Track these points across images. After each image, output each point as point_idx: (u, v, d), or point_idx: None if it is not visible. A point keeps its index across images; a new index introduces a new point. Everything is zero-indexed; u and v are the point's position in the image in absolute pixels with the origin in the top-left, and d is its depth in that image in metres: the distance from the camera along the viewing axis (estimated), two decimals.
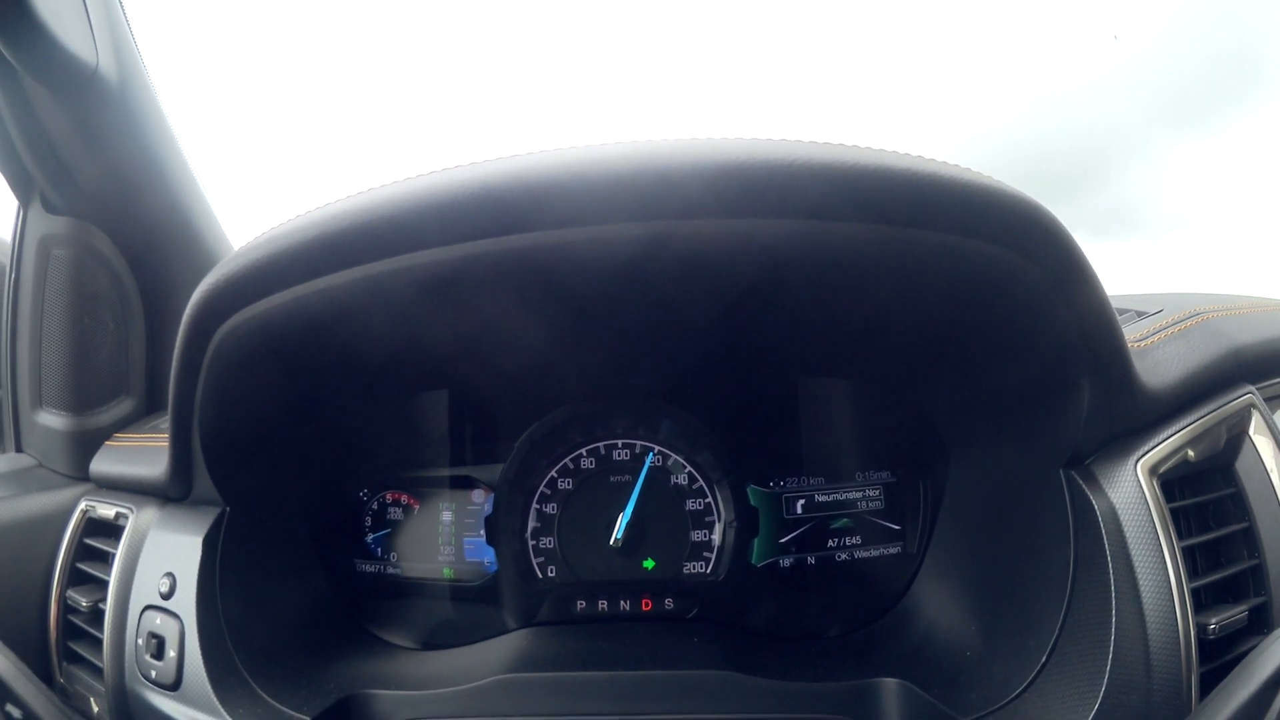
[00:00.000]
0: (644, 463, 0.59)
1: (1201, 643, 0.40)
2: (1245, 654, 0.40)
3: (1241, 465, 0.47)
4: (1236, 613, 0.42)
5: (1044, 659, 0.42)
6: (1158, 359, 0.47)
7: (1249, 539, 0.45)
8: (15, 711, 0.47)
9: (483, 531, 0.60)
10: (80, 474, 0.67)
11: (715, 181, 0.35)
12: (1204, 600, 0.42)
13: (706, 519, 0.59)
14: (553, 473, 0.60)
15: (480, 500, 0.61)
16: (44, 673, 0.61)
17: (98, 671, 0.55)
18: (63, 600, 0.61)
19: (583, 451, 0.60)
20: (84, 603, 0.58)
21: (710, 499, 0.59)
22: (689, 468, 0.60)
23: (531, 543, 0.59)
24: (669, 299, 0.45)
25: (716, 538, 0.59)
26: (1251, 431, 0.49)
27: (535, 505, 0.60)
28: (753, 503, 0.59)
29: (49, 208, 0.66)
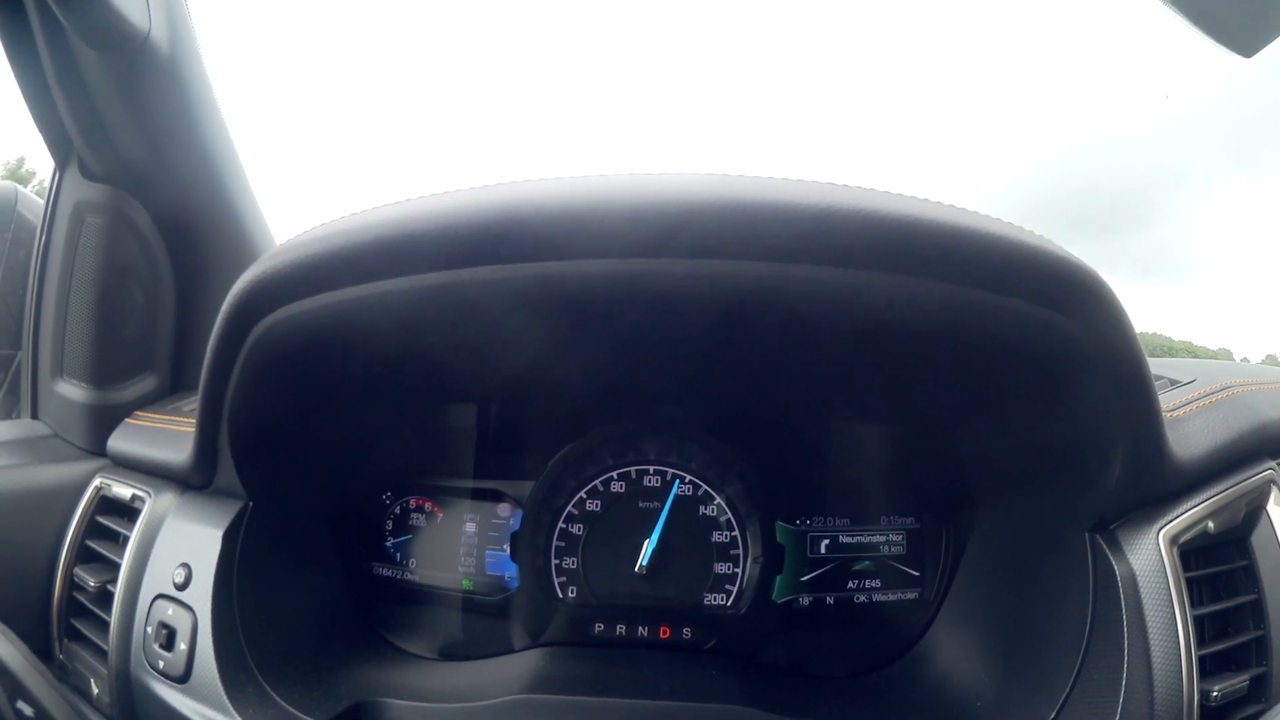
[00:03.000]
0: (672, 489, 0.62)
1: (1203, 708, 0.43)
2: None
3: (1256, 539, 0.50)
4: (1238, 682, 0.45)
5: (1053, 715, 0.45)
6: (1188, 430, 0.50)
7: (1256, 610, 0.48)
8: (27, 709, 0.50)
9: (506, 546, 0.63)
10: (96, 448, 0.69)
11: (736, 221, 0.36)
12: (1208, 667, 0.45)
13: (732, 552, 0.62)
14: (582, 493, 0.62)
15: (506, 514, 0.64)
16: (43, 647, 0.62)
17: (100, 653, 0.57)
18: (69, 576, 0.62)
19: (614, 475, 0.63)
20: (91, 582, 0.59)
21: (738, 533, 0.62)
22: (719, 499, 0.62)
23: (555, 562, 0.62)
24: (679, 318, 0.46)
25: (741, 572, 0.61)
26: (1269, 506, 0.52)
27: (561, 524, 0.62)
28: (779, 540, 0.62)
29: (86, 173, 0.68)
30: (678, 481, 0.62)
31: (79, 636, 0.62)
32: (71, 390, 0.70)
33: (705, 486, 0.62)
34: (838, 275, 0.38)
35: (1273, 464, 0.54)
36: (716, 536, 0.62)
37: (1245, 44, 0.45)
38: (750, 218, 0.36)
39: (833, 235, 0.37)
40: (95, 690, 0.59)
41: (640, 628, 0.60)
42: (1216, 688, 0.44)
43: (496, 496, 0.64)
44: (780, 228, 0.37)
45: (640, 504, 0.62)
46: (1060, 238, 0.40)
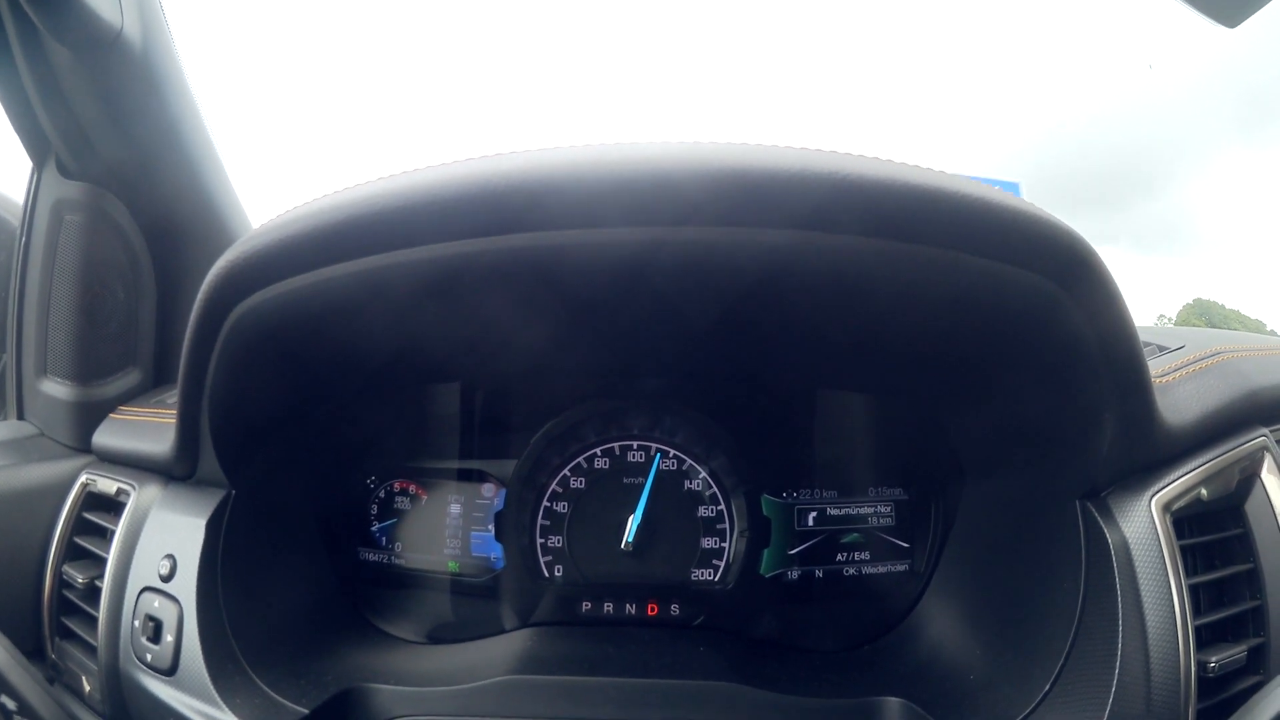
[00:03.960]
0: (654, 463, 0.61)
1: (1200, 680, 0.42)
2: (1242, 693, 0.43)
3: (1251, 507, 0.49)
4: (1236, 652, 0.44)
5: (1047, 687, 0.44)
6: (1178, 396, 0.49)
7: (1252, 580, 0.47)
8: (10, 703, 0.48)
9: (491, 526, 0.62)
10: (82, 445, 0.68)
11: (723, 188, 0.36)
12: (1204, 637, 0.44)
13: (718, 526, 0.61)
14: (565, 471, 0.61)
15: (490, 494, 0.63)
16: (35, 648, 0.62)
17: (91, 650, 0.56)
18: (58, 575, 0.62)
19: (597, 451, 0.61)
20: (80, 579, 0.58)
21: (724, 507, 0.61)
22: (703, 473, 0.61)
23: (540, 541, 0.61)
24: (673, 302, 0.46)
25: (728, 546, 0.60)
26: (1263, 474, 0.51)
27: (546, 503, 0.61)
28: (765, 513, 0.60)
29: (64, 172, 0.67)
30: (659, 455, 0.61)
31: (70, 635, 0.61)
32: (56, 388, 0.69)
33: (689, 460, 0.61)
34: (841, 243, 0.38)
35: (1265, 431, 0.52)
36: (702, 511, 0.61)
37: (1229, 16, 0.44)
38: (780, 185, 0.35)
39: (854, 203, 0.36)
40: (88, 688, 0.58)
41: (628, 605, 0.59)
42: (1214, 658, 0.42)
43: (480, 477, 0.63)
44: (803, 196, 0.36)
45: (624, 480, 0.61)
46: (1057, 211, 0.40)
